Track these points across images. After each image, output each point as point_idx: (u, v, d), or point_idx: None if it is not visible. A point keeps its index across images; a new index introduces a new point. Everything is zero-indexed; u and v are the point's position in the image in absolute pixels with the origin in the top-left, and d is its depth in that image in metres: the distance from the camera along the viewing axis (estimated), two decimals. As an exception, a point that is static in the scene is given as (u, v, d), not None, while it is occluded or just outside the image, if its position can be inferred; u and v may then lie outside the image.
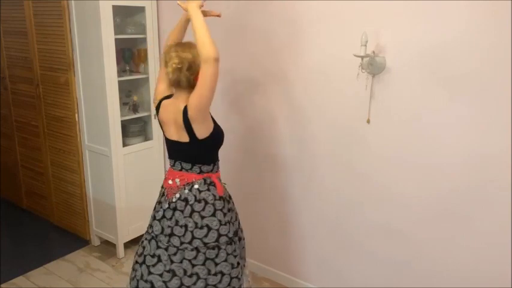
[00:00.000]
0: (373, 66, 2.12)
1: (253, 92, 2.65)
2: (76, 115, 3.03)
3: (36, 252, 3.19)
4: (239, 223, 2.09)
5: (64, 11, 2.83)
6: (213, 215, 1.91)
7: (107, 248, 3.23)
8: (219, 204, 1.93)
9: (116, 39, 2.77)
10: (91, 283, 2.84)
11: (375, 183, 2.30)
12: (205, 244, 1.89)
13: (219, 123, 1.97)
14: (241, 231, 2.11)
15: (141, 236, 3.26)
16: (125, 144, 3.00)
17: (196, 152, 1.90)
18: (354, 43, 2.11)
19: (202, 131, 1.84)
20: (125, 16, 2.95)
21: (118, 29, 2.83)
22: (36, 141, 3.42)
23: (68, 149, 3.17)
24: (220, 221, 1.92)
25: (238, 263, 1.98)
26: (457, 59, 1.92)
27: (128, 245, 3.20)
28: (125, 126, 3.02)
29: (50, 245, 3.33)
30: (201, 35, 1.71)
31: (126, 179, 3.03)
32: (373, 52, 2.10)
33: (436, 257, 2.18)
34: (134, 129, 3.09)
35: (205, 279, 1.90)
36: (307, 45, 2.37)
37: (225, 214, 1.94)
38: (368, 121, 2.23)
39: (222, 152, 2.80)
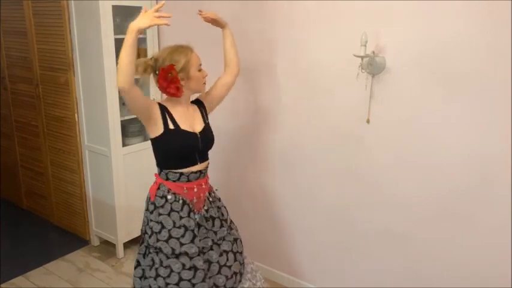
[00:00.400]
0: (372, 66, 2.12)
1: (252, 91, 2.65)
2: (76, 115, 3.03)
3: (35, 252, 3.19)
4: (200, 251, 1.89)
5: (64, 10, 2.83)
6: (146, 209, 1.98)
7: (107, 248, 3.23)
8: (150, 206, 1.94)
9: (115, 39, 2.77)
10: (91, 283, 2.84)
11: (375, 183, 2.30)
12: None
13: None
14: (201, 260, 1.88)
15: (141, 236, 3.28)
16: (124, 144, 3.00)
17: None
18: (353, 43, 2.10)
19: (148, 130, 1.91)
20: (124, 16, 2.94)
21: (118, 29, 2.83)
22: (36, 141, 3.42)
23: (68, 149, 3.17)
24: (146, 218, 1.98)
25: (166, 283, 1.83)
26: (457, 59, 1.92)
27: (128, 245, 3.20)
28: (125, 126, 3.02)
29: (49, 245, 3.33)
30: (120, 58, 1.69)
31: (125, 179, 3.03)
32: (373, 52, 2.10)
33: (435, 257, 2.18)
34: (134, 129, 3.09)
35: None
36: (306, 45, 2.37)
37: (149, 220, 1.94)
38: (368, 121, 2.23)
39: (221, 151, 2.81)
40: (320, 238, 2.60)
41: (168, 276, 1.84)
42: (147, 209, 1.96)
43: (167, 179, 1.90)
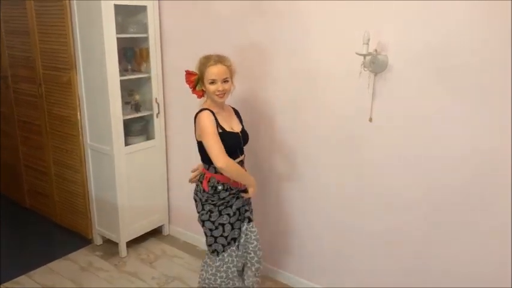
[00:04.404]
0: (375, 64, 2.11)
1: (254, 91, 2.65)
2: (78, 114, 3.03)
3: (38, 251, 3.20)
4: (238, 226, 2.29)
5: (66, 10, 2.83)
6: (200, 199, 2.27)
7: (110, 247, 3.24)
8: (203, 195, 2.22)
9: (117, 39, 2.78)
10: (94, 282, 2.85)
11: (377, 182, 2.30)
12: None
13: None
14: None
15: (143, 235, 3.28)
16: (127, 143, 3.00)
17: None
18: (356, 41, 2.10)
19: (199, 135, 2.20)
20: (126, 15, 2.95)
21: (120, 28, 2.84)
22: (39, 140, 3.43)
23: (71, 148, 3.18)
24: (201, 205, 2.25)
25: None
26: (459, 57, 1.92)
27: (130, 244, 3.20)
28: (127, 125, 3.02)
29: (52, 244, 3.34)
30: (236, 174, 2.15)
31: (128, 178, 3.03)
32: (375, 50, 2.10)
33: (435, 255, 2.18)
34: (136, 128, 3.09)
35: None
36: (309, 43, 2.36)
37: (203, 206, 2.24)
38: (370, 119, 2.23)
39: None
40: (322, 237, 2.59)
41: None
42: (200, 199, 2.21)
43: (216, 172, 2.14)
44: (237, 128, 2.23)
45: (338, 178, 2.44)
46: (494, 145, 1.91)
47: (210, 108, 2.11)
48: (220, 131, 2.10)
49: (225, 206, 2.19)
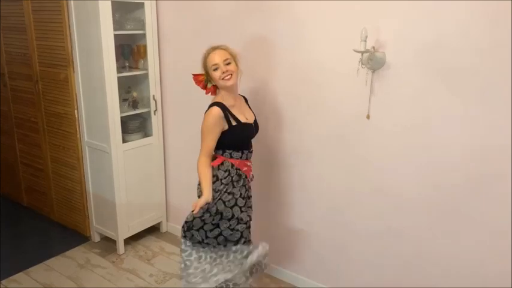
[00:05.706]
0: (373, 61, 2.11)
1: (252, 89, 2.65)
2: (76, 111, 3.03)
3: (36, 248, 3.20)
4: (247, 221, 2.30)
5: (63, 7, 2.82)
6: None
7: (107, 244, 3.24)
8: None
9: (115, 35, 2.77)
10: (91, 279, 2.85)
11: (375, 179, 2.30)
12: None
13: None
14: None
15: (141, 232, 3.27)
16: (124, 141, 3.00)
17: None
18: (353, 38, 2.10)
19: None
20: (124, 12, 2.94)
21: (117, 25, 2.83)
22: (36, 137, 3.42)
23: (68, 146, 3.17)
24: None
25: (207, 236, 2.24)
26: (457, 54, 1.92)
27: (128, 241, 3.20)
28: (125, 123, 3.01)
29: (50, 241, 3.34)
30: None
31: (126, 175, 3.03)
32: (373, 47, 2.10)
33: (435, 255, 2.18)
34: (134, 125, 3.09)
35: None
36: (307, 41, 2.36)
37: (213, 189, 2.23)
38: (368, 117, 2.23)
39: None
40: (319, 234, 2.60)
41: (211, 231, 2.18)
42: (219, 179, 2.17)
43: (231, 157, 2.18)
44: (250, 117, 2.24)
45: (335, 174, 2.45)
46: (495, 143, 1.91)
47: (224, 102, 2.11)
48: (235, 123, 2.12)
49: (238, 179, 2.18)
